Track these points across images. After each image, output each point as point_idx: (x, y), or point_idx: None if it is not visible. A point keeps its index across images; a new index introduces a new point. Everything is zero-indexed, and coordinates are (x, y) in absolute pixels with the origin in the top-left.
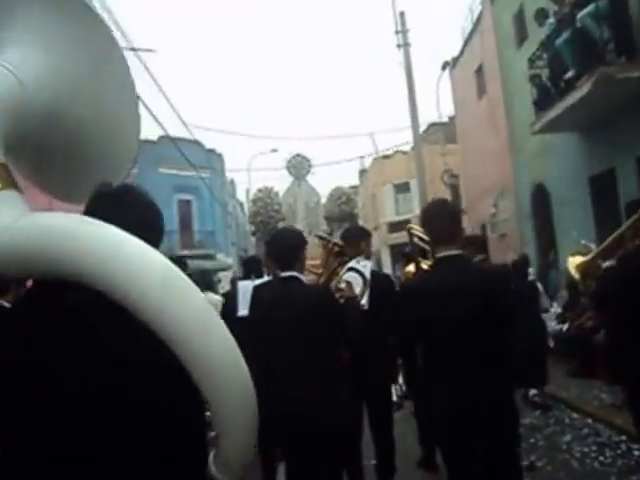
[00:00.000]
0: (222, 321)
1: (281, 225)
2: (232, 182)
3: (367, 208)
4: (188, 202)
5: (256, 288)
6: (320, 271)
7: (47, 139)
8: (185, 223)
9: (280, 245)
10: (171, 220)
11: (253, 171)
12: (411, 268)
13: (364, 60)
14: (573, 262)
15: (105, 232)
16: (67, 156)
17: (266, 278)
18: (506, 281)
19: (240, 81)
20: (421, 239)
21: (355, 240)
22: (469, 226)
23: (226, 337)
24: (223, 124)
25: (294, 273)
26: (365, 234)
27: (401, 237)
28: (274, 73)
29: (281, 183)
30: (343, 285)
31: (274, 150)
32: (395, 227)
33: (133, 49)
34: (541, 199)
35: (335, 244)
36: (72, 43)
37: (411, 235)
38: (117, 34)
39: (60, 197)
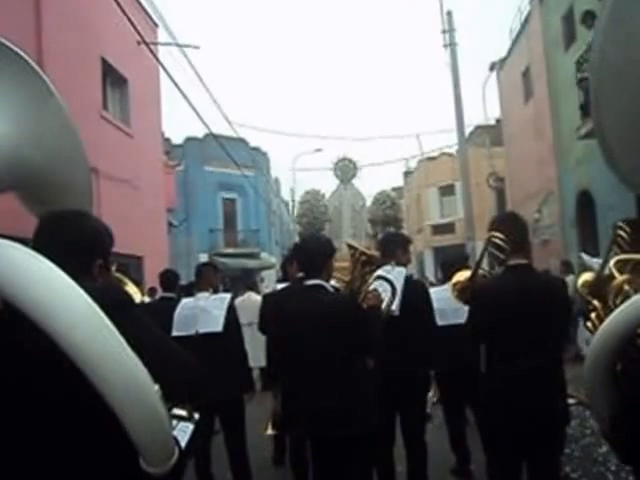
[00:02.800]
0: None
1: (327, 226)
2: (277, 180)
3: (411, 210)
4: (232, 200)
5: (273, 295)
6: (348, 279)
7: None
8: (229, 221)
9: (307, 252)
10: (216, 218)
11: (298, 171)
12: (461, 277)
13: (410, 60)
14: (583, 280)
15: (32, 261)
16: (36, 187)
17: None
18: (565, 289)
19: (285, 80)
20: (499, 247)
21: (391, 247)
22: None
23: (130, 370)
24: (268, 123)
25: (320, 282)
26: (401, 242)
27: (445, 240)
28: (320, 72)
29: (325, 183)
30: (370, 294)
31: (318, 150)
32: (439, 229)
33: (178, 45)
34: (586, 205)
35: (363, 253)
36: (13, 100)
37: (491, 243)
38: (162, 29)
39: None
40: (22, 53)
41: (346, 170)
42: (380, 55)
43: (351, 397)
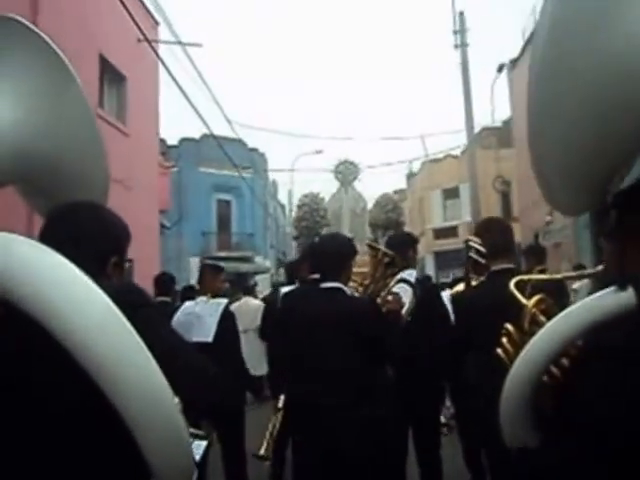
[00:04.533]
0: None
1: (326, 231)
2: (274, 183)
3: (413, 213)
4: (227, 202)
5: (288, 296)
6: (367, 282)
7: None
8: (223, 224)
9: (326, 252)
10: (209, 221)
11: (296, 172)
12: (461, 287)
13: (415, 60)
14: None
15: (46, 258)
16: (46, 180)
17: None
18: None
19: (286, 79)
20: (478, 252)
21: (403, 247)
22: (521, 234)
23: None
24: (267, 123)
25: (338, 284)
26: (412, 241)
27: (447, 244)
28: (323, 72)
29: (324, 186)
30: (390, 297)
31: (319, 151)
32: (441, 233)
33: (180, 43)
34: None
35: (385, 254)
36: (28, 84)
37: (468, 248)
38: (162, 29)
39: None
40: (41, 33)
41: (347, 173)
42: (383, 56)
43: (371, 409)
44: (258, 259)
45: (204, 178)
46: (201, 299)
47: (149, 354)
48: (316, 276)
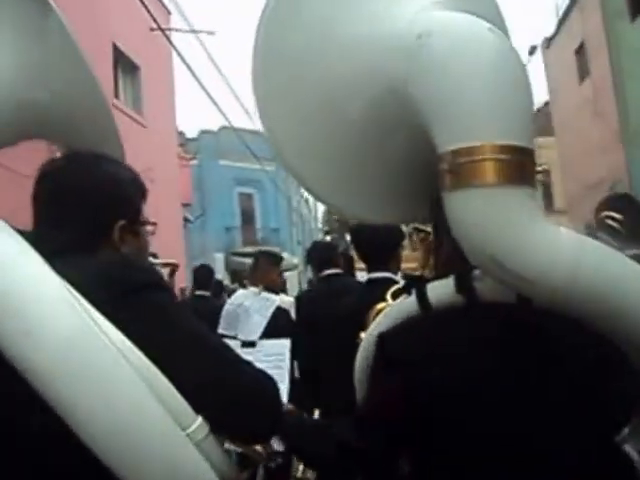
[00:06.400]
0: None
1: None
2: None
3: None
4: (250, 196)
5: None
6: (418, 274)
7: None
8: (247, 218)
9: (373, 238)
10: (232, 215)
11: None
12: None
13: None
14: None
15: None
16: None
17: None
18: None
19: None
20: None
21: None
22: (571, 228)
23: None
24: None
25: (389, 274)
26: None
27: None
28: None
29: None
30: None
31: None
32: None
33: (193, 31)
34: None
35: None
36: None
37: (603, 223)
38: (174, 17)
39: None
40: None
41: None
42: None
43: None
44: (285, 255)
45: (225, 171)
46: (252, 290)
47: (148, 366)
48: (333, 271)
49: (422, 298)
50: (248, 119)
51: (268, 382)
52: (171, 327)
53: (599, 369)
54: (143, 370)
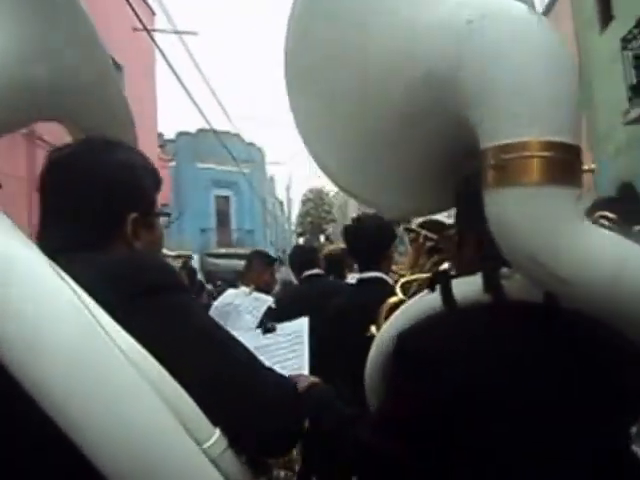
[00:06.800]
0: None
1: (332, 227)
2: (272, 179)
3: None
4: (226, 198)
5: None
6: (409, 274)
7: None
8: (222, 220)
9: (365, 237)
10: (208, 217)
11: (295, 168)
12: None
13: None
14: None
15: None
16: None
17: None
18: None
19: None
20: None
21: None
22: None
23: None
24: (263, 115)
25: (380, 274)
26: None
27: None
28: None
29: (325, 181)
30: None
31: None
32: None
33: (176, 32)
34: (629, 200)
35: (428, 237)
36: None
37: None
38: (158, 19)
39: None
40: None
41: None
42: None
43: None
44: None
45: (202, 174)
46: (242, 290)
47: (161, 373)
48: (314, 272)
49: (447, 295)
50: (227, 121)
51: (292, 393)
52: (194, 331)
53: (622, 368)
54: (158, 381)
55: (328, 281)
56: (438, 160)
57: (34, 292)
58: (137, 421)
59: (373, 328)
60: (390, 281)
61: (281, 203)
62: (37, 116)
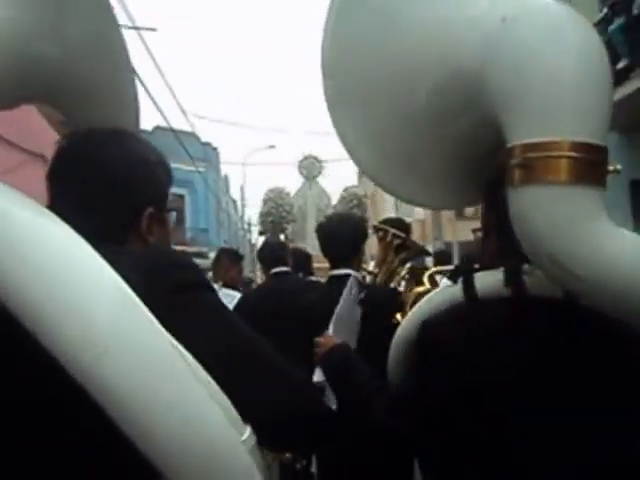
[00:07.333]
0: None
1: (291, 227)
2: (226, 178)
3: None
4: (181, 197)
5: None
6: (377, 270)
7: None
8: (177, 218)
9: (337, 235)
10: None
11: (250, 168)
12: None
13: None
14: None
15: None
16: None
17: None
18: None
19: (243, 69)
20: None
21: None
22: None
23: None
24: (218, 114)
25: (350, 271)
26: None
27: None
28: (279, 61)
29: (284, 181)
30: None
31: (271, 146)
32: None
33: (135, 27)
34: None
35: (396, 235)
36: None
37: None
38: (119, 12)
39: None
40: None
41: (312, 168)
42: None
43: None
44: (212, 255)
45: None
46: None
47: (194, 371)
48: (282, 269)
49: (469, 287)
50: (182, 119)
51: (318, 398)
52: (227, 330)
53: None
54: (202, 377)
55: (298, 278)
56: (467, 158)
57: (92, 289)
58: (198, 418)
59: (398, 315)
60: (359, 278)
61: (234, 202)
62: (28, 97)
